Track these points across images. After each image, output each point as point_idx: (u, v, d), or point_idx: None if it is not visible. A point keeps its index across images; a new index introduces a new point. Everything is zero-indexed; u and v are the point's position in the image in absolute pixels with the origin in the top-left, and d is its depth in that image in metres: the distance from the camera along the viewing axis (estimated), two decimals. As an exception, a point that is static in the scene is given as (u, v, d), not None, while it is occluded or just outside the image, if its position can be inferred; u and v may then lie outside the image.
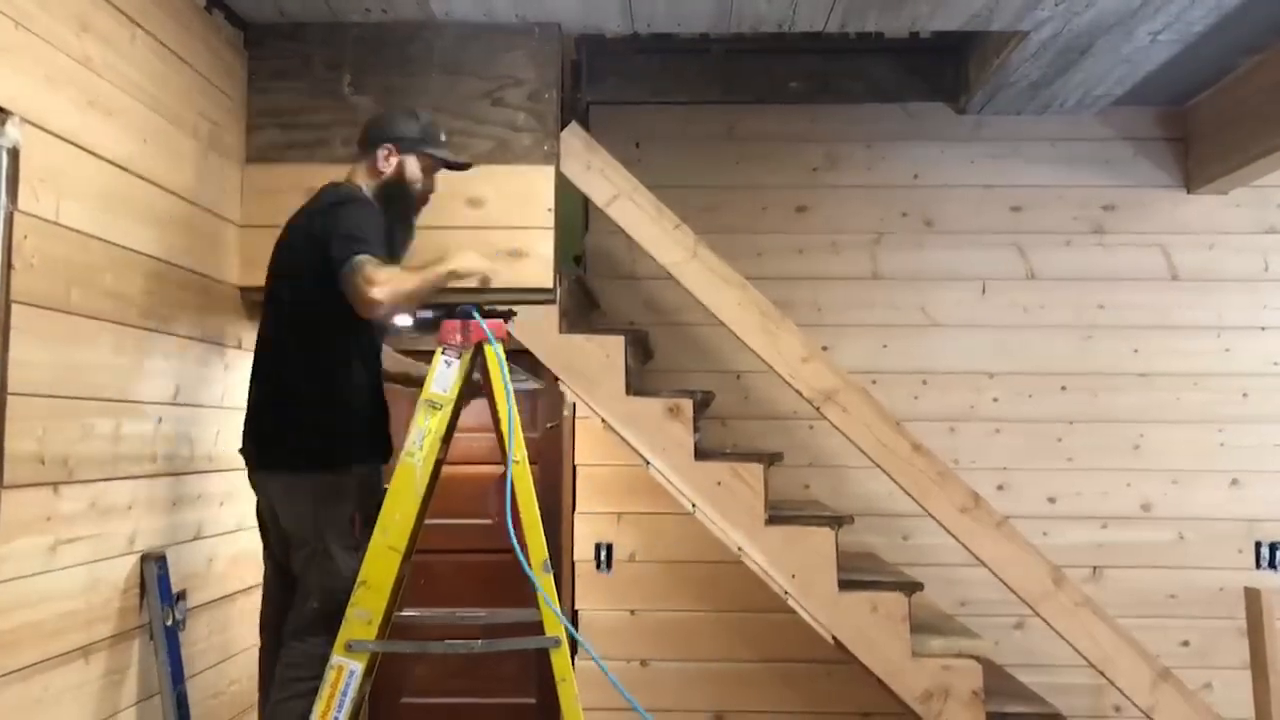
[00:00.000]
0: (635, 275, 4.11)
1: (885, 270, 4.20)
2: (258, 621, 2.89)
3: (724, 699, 4.05)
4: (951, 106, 4.19)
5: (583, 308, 3.94)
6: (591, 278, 4.12)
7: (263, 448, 2.72)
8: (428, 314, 2.83)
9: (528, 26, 3.32)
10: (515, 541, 2.55)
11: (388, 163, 2.78)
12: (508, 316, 2.79)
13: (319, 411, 2.66)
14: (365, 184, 2.80)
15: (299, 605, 2.65)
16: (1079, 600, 3.10)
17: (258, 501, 2.81)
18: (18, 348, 2.19)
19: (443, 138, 2.91)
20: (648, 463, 3.20)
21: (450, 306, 2.70)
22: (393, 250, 2.74)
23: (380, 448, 2.83)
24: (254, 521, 2.85)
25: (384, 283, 2.45)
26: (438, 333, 2.70)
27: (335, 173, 3.16)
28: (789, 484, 4.06)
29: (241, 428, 2.78)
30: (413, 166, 2.81)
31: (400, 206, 2.82)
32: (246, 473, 2.78)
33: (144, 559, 2.72)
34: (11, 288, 2.18)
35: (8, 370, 2.17)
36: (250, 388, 2.77)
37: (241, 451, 2.78)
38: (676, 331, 4.12)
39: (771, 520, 3.17)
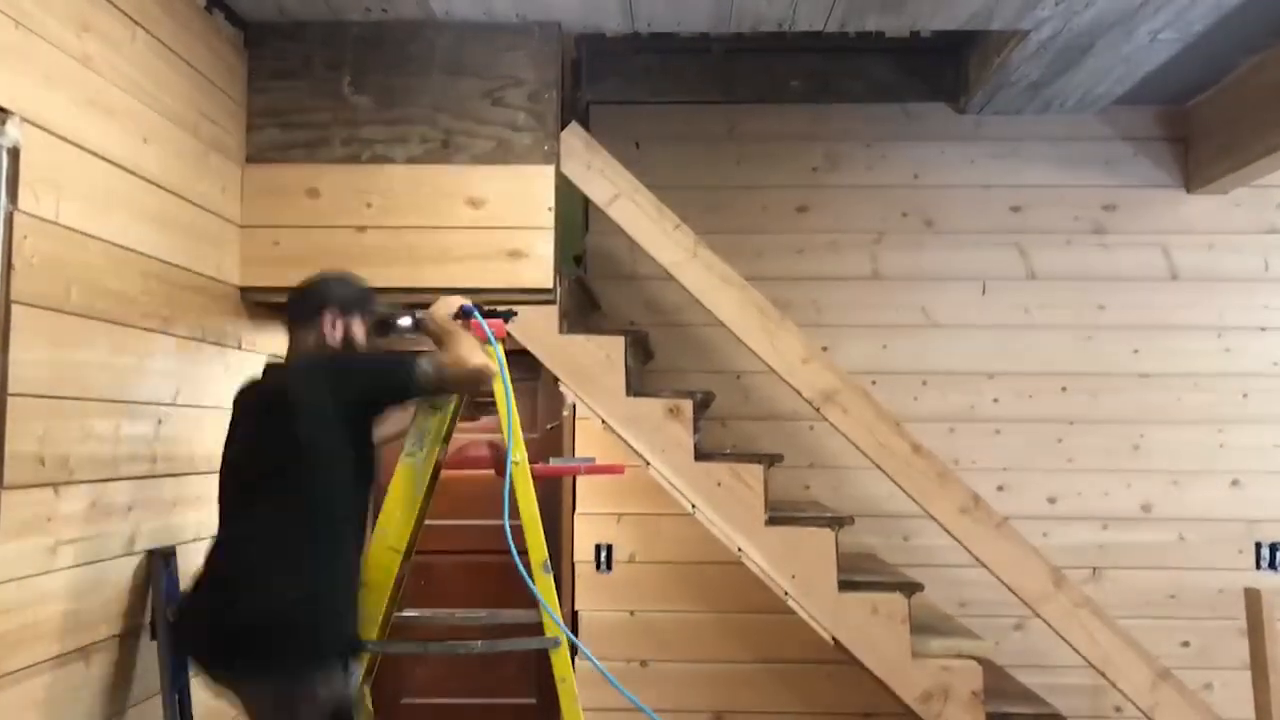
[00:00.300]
0: (635, 275, 4.11)
1: (885, 270, 4.20)
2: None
3: (724, 699, 4.05)
4: (952, 106, 4.19)
5: (583, 308, 3.94)
6: (592, 278, 4.12)
7: (231, 651, 2.39)
8: (408, 320, 2.77)
9: (528, 26, 3.32)
10: (513, 547, 2.54)
11: (334, 328, 2.62)
12: (508, 316, 2.78)
13: (308, 605, 2.40)
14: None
15: None
16: (1079, 601, 3.10)
17: None
18: (18, 348, 2.19)
19: (371, 293, 2.75)
20: (648, 463, 3.20)
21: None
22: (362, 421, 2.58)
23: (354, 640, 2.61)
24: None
25: (459, 363, 2.51)
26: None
27: (336, 172, 3.17)
28: (789, 484, 4.07)
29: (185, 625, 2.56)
30: (358, 330, 2.66)
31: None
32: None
33: (151, 554, 2.72)
34: (11, 288, 2.17)
35: (8, 370, 2.16)
36: (216, 580, 2.47)
37: (193, 655, 2.53)
38: (676, 332, 4.12)
39: (771, 521, 3.17)
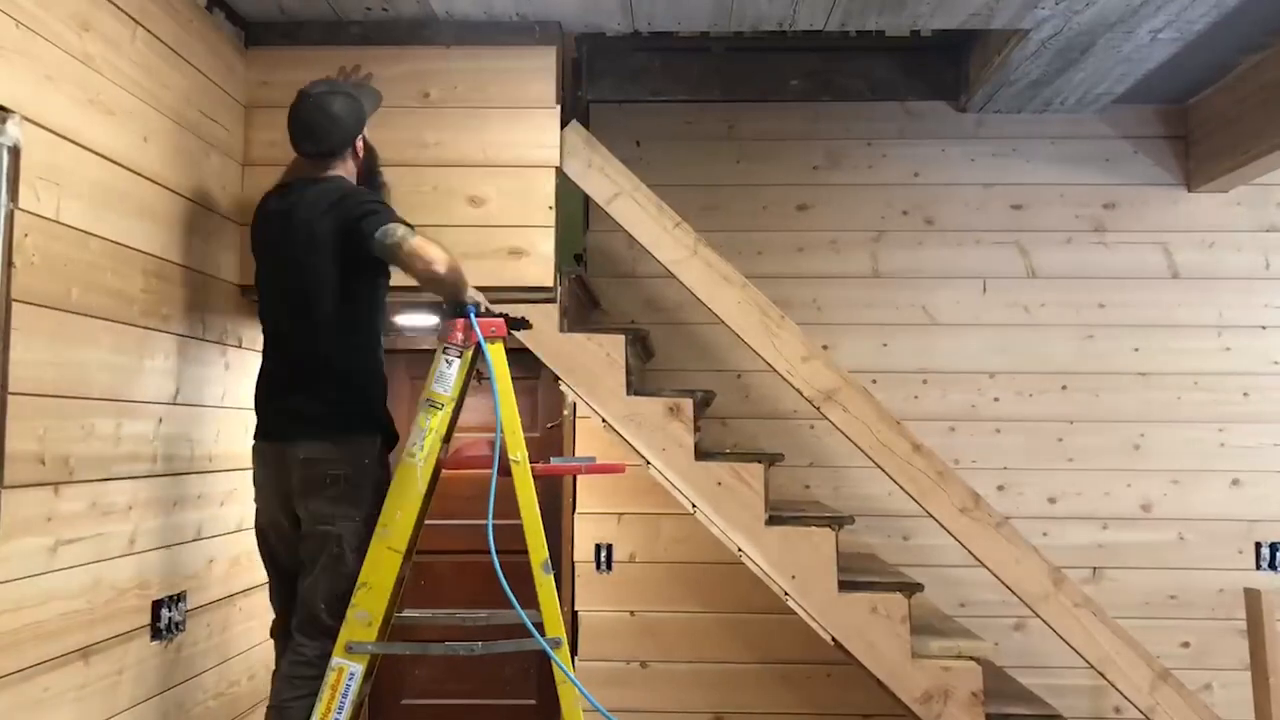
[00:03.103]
0: (636, 274, 4.11)
1: (886, 269, 4.20)
2: (258, 623, 2.88)
3: (724, 699, 4.05)
4: (952, 105, 4.19)
5: (583, 307, 3.93)
6: (592, 276, 4.11)
7: (310, 419, 2.69)
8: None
9: (528, 25, 3.31)
10: (494, 548, 2.56)
11: (358, 150, 2.87)
12: (521, 326, 2.84)
13: (369, 385, 2.75)
14: (350, 176, 2.86)
15: (308, 601, 2.65)
16: (1079, 601, 3.10)
17: (261, 509, 2.79)
18: (18, 347, 2.18)
19: (361, 94, 2.93)
20: (648, 462, 3.19)
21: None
22: None
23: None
24: (254, 521, 2.84)
25: (439, 250, 2.64)
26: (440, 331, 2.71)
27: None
28: (789, 484, 4.07)
29: (261, 416, 2.80)
30: (369, 135, 2.93)
31: (375, 174, 2.99)
32: (262, 461, 2.77)
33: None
34: (12, 286, 2.17)
35: (8, 370, 2.16)
36: (282, 373, 2.76)
37: (267, 435, 2.77)
38: (677, 330, 4.12)
39: (772, 521, 3.17)
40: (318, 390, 2.71)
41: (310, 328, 2.72)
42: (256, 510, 2.81)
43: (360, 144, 2.85)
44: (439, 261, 2.61)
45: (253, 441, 2.82)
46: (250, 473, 2.83)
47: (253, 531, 2.86)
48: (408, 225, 2.65)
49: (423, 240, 2.62)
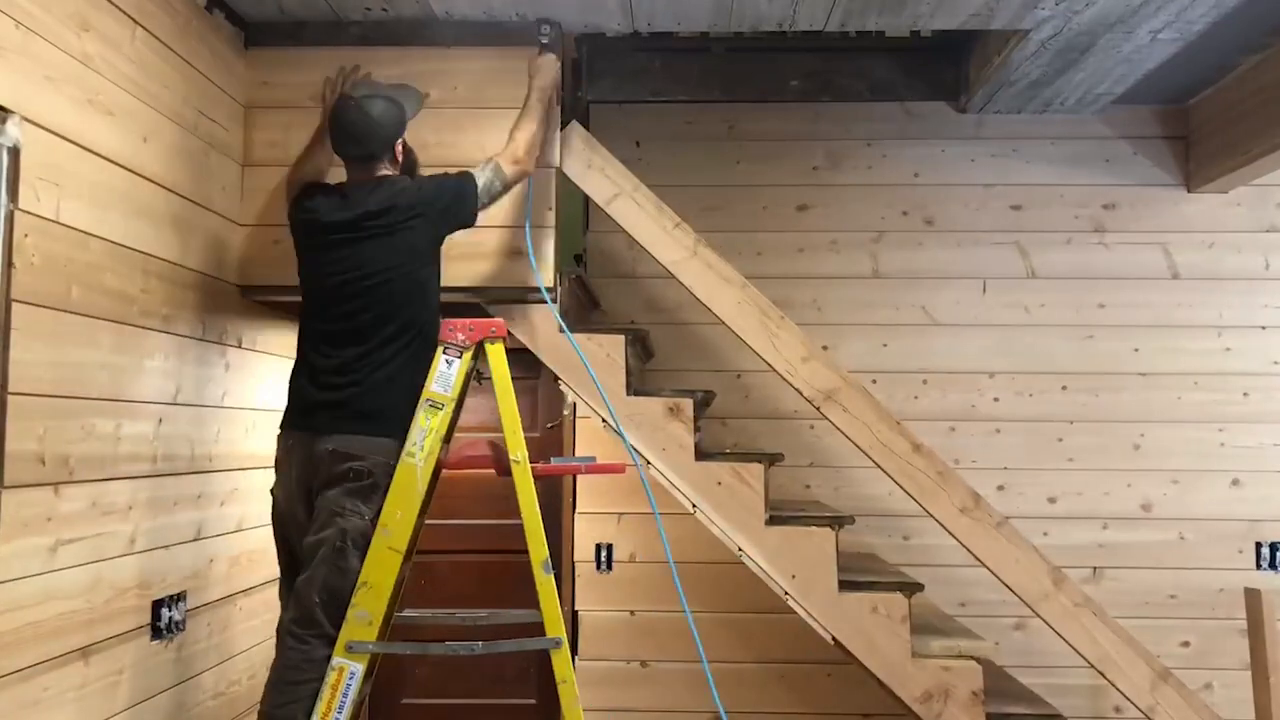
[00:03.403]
0: (636, 274, 4.11)
1: (886, 269, 4.20)
2: (260, 623, 2.88)
3: (724, 699, 4.01)
4: (952, 105, 4.19)
5: (583, 307, 3.93)
6: (592, 276, 4.11)
7: (349, 415, 2.71)
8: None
9: (528, 25, 3.31)
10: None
11: (400, 153, 2.90)
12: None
13: (413, 389, 2.73)
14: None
15: (303, 595, 2.64)
16: (1079, 601, 3.10)
17: (281, 502, 2.77)
18: (18, 347, 2.19)
19: (402, 98, 2.96)
20: (648, 462, 3.19)
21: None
22: None
23: None
24: (255, 522, 2.84)
25: (519, 160, 2.97)
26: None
27: (336, 171, 3.16)
28: (790, 484, 4.07)
29: (296, 406, 2.79)
30: (409, 138, 2.97)
31: (415, 170, 3.03)
32: (287, 450, 2.76)
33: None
34: (12, 287, 2.17)
35: (8, 370, 2.16)
36: (329, 368, 2.75)
37: (297, 425, 2.76)
38: (677, 331, 4.12)
39: (772, 520, 3.17)
40: (366, 389, 2.71)
41: (369, 329, 2.73)
42: (274, 498, 2.79)
43: (400, 147, 2.88)
44: (530, 151, 3.00)
45: (280, 430, 2.80)
46: (250, 472, 2.83)
47: (253, 531, 2.86)
48: (475, 179, 2.88)
49: (499, 164, 2.92)
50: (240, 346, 3.30)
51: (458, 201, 2.87)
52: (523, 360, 3.29)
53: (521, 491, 2.64)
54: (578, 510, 4.11)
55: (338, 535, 2.62)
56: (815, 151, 4.24)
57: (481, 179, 2.90)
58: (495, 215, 3.27)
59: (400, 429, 2.69)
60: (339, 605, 2.60)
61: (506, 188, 2.97)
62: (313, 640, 2.61)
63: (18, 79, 2.20)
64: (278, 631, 2.79)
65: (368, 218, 2.75)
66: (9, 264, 2.16)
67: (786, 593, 3.13)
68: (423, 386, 2.72)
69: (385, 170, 2.85)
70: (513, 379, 2.70)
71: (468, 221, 2.91)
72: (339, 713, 2.55)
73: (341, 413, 2.70)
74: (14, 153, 2.19)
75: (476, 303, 3.29)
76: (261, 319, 3.44)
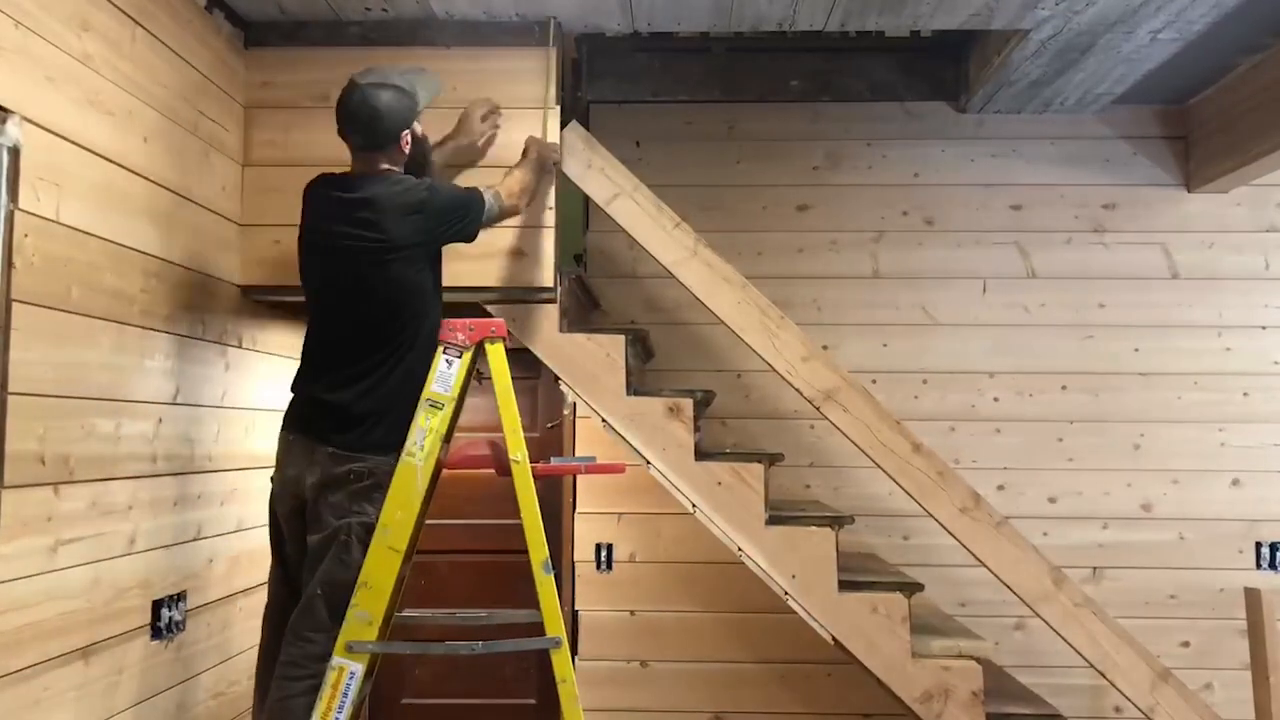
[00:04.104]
0: (636, 274, 4.11)
1: (886, 269, 4.20)
2: (260, 621, 2.88)
3: (724, 699, 4.05)
4: (952, 105, 4.19)
5: (583, 307, 3.93)
6: (592, 276, 4.11)
7: (347, 430, 2.69)
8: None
9: (528, 25, 3.31)
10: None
11: (407, 143, 2.83)
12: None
13: (414, 394, 2.68)
14: (398, 169, 2.83)
15: (307, 593, 2.64)
16: (1079, 601, 3.10)
17: (277, 492, 2.77)
18: (18, 347, 2.19)
19: (416, 84, 2.89)
20: (648, 462, 3.19)
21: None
22: None
23: None
24: (254, 522, 2.84)
25: (514, 195, 3.01)
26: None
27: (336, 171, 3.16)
28: (790, 484, 4.07)
29: (298, 407, 2.78)
30: (419, 129, 2.89)
31: (425, 163, 2.98)
32: (288, 451, 2.75)
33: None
34: (12, 287, 2.17)
35: (8, 369, 2.16)
36: (330, 369, 2.74)
37: (296, 427, 2.75)
38: (677, 331, 4.12)
39: (772, 520, 3.17)
40: (367, 393, 2.70)
41: (370, 332, 2.72)
42: (272, 495, 2.79)
43: (407, 136, 2.81)
44: (523, 193, 3.05)
45: (280, 429, 2.80)
46: (250, 472, 2.83)
47: (253, 531, 2.86)
48: (483, 197, 2.90)
49: (499, 192, 2.95)
50: (240, 346, 3.30)
51: (464, 212, 2.86)
52: (523, 360, 3.29)
53: (521, 491, 2.63)
54: (578, 510, 4.11)
55: (344, 531, 2.63)
56: (815, 151, 4.24)
57: (488, 198, 2.91)
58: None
59: (398, 435, 2.67)
60: (339, 598, 2.59)
61: (502, 216, 2.99)
62: (313, 637, 2.61)
63: (18, 79, 2.20)
64: (265, 619, 2.78)
65: (361, 223, 2.69)
66: (9, 264, 2.16)
67: (786, 593, 3.13)
68: (421, 384, 2.70)
69: (387, 164, 2.79)
70: (513, 379, 2.70)
71: (469, 237, 2.90)
72: (339, 712, 2.55)
73: (340, 417, 2.70)
74: (14, 153, 2.19)
75: (476, 303, 3.29)
76: (261, 319, 3.44)
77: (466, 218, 2.86)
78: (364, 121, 2.76)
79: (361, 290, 2.71)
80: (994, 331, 4.18)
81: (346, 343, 2.74)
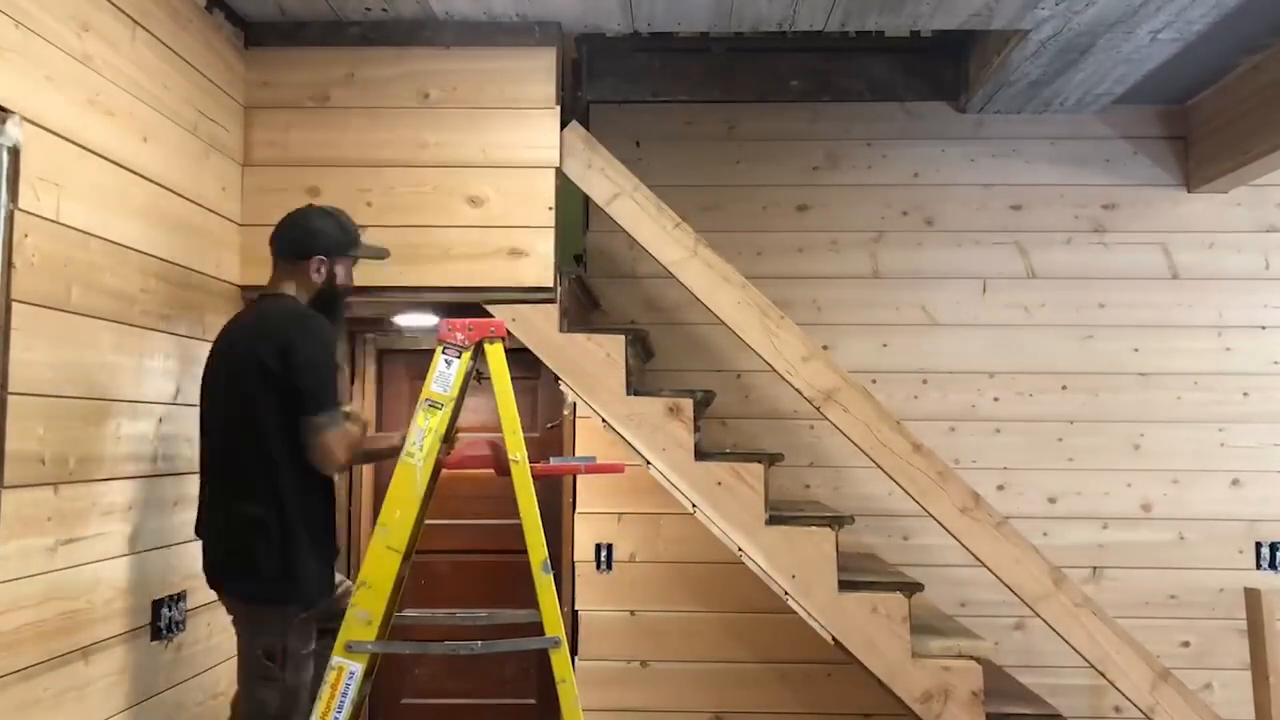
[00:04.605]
0: (636, 274, 4.11)
1: (885, 269, 4.20)
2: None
3: (724, 699, 4.05)
4: (952, 105, 4.19)
5: (583, 307, 3.93)
6: (592, 276, 4.11)
7: (224, 576, 2.63)
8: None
9: (528, 25, 3.32)
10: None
11: (319, 273, 2.71)
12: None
13: (272, 543, 2.54)
14: (300, 295, 2.71)
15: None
16: (1079, 601, 3.10)
17: None
18: (18, 347, 2.19)
19: (358, 232, 2.81)
20: (648, 462, 3.19)
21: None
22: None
23: (326, 580, 2.70)
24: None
25: (345, 451, 2.59)
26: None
27: (336, 171, 3.19)
28: (790, 484, 4.07)
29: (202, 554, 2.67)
30: (342, 271, 2.76)
31: (334, 307, 2.78)
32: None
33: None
34: (12, 287, 2.17)
35: (8, 369, 2.16)
36: (210, 514, 2.63)
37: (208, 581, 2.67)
38: (677, 331, 4.12)
39: (772, 520, 3.17)
40: (214, 535, 2.64)
41: (215, 469, 2.64)
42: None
43: (323, 267, 2.69)
44: (351, 449, 2.63)
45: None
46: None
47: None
48: (334, 415, 2.57)
49: (332, 441, 2.54)
50: (240, 346, 3.30)
51: (312, 388, 2.55)
52: (523, 360, 3.29)
53: (521, 491, 2.63)
54: (578, 510, 4.10)
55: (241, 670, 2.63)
56: (815, 151, 4.24)
57: (335, 414, 2.58)
58: (495, 215, 3.28)
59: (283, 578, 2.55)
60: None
61: (320, 441, 2.54)
62: None
63: (18, 79, 2.20)
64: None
65: (231, 345, 2.63)
66: (9, 264, 2.17)
67: (786, 593, 3.13)
68: (272, 552, 2.55)
69: (289, 286, 2.69)
70: (513, 379, 2.70)
71: (300, 409, 2.54)
72: (338, 712, 2.55)
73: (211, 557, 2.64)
74: (14, 153, 2.19)
75: (476, 303, 3.29)
76: (261, 319, 3.43)
77: (313, 396, 2.54)
78: (283, 228, 2.74)
79: (215, 420, 2.63)
80: (994, 331, 4.17)
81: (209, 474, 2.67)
